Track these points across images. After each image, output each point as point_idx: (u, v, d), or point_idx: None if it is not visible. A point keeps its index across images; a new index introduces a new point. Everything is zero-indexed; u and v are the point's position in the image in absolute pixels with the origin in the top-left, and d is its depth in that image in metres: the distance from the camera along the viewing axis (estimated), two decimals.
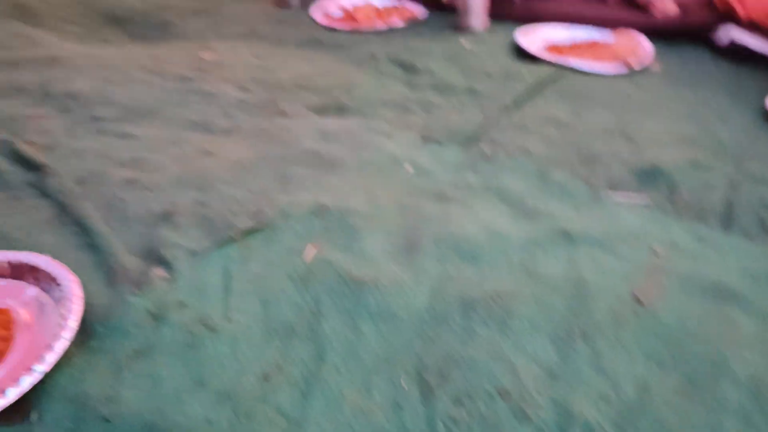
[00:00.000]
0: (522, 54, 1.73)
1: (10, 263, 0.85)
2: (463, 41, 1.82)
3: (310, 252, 0.94)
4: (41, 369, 0.68)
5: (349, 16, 2.03)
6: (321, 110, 1.45)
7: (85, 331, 0.76)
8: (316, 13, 2.02)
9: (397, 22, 1.94)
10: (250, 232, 0.96)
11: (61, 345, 0.71)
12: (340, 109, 1.46)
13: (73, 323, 0.74)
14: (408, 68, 1.69)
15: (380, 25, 1.93)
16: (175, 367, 0.72)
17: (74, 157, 1.16)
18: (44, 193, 1.04)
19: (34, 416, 0.66)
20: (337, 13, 2.06)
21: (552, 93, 1.60)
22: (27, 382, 0.66)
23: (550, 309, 0.85)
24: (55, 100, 1.39)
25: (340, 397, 0.70)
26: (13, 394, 0.65)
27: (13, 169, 1.10)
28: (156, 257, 0.90)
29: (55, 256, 0.89)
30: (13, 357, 0.72)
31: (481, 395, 0.71)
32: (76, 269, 0.86)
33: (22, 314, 0.78)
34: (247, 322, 0.80)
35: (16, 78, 1.49)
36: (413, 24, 1.94)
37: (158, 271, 0.87)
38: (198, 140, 1.25)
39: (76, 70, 1.52)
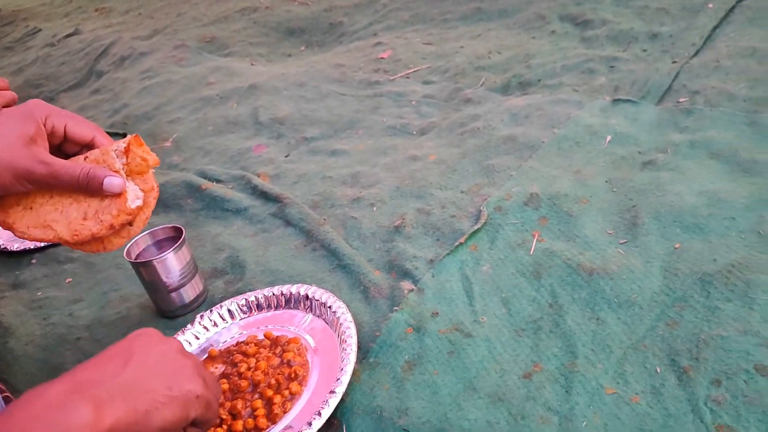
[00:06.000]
0: None
1: (283, 294, 1.01)
2: None
3: (533, 244, 1.01)
4: (341, 389, 0.81)
5: None
6: (504, 89, 1.49)
7: (362, 349, 0.90)
8: None
9: None
10: (473, 234, 1.04)
11: (350, 365, 0.84)
12: (523, 85, 1.49)
13: (354, 344, 0.87)
14: (580, 23, 1.67)
15: None
16: (445, 374, 0.83)
17: (302, 182, 1.31)
18: (288, 222, 1.19)
19: (346, 431, 0.80)
20: None
21: (741, 18, 1.51)
22: (334, 402, 0.80)
23: None
24: (266, 128, 1.56)
25: (600, 388, 0.77)
26: (326, 414, 0.79)
27: (256, 203, 1.27)
28: (400, 270, 1.01)
29: (314, 280, 1.04)
30: (314, 379, 0.87)
31: (738, 374, 0.74)
32: (336, 291, 1.00)
33: (309, 340, 0.93)
34: (496, 324, 0.89)
35: (228, 112, 1.68)
36: None
37: (406, 284, 0.98)
38: (401, 145, 1.36)
39: (276, 94, 1.68)
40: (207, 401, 0.60)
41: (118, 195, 0.75)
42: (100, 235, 0.75)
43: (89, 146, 0.79)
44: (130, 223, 0.77)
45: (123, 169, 0.76)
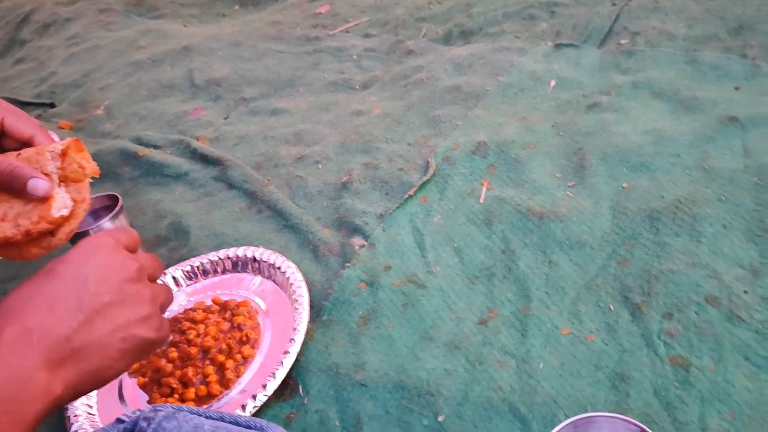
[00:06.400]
0: None
1: (230, 258, 0.97)
2: None
3: (482, 192, 0.99)
4: (295, 349, 0.79)
5: None
6: (446, 40, 1.47)
7: (314, 308, 0.87)
8: None
9: None
10: (423, 185, 1.03)
11: (303, 325, 0.82)
12: (465, 34, 1.46)
13: (306, 303, 0.85)
14: None
15: None
16: (401, 326, 0.82)
17: (243, 143, 1.26)
18: (231, 184, 1.15)
19: (302, 390, 0.78)
20: None
21: None
22: (288, 362, 0.78)
23: (737, 205, 0.86)
24: (203, 91, 1.50)
25: (555, 329, 0.77)
26: (281, 375, 0.77)
27: (197, 167, 1.22)
28: (350, 227, 0.99)
29: (261, 242, 1.00)
30: (267, 342, 0.84)
31: (689, 306, 0.75)
32: (285, 252, 0.97)
33: (259, 303, 0.90)
34: (449, 273, 0.88)
35: (161, 75, 1.61)
36: None
37: (357, 240, 0.96)
38: (344, 100, 1.32)
39: (211, 55, 1.62)
40: (161, 340, 0.56)
41: (44, 200, 0.69)
42: (15, 240, 0.69)
43: (28, 144, 0.73)
44: (52, 233, 0.71)
45: (56, 173, 0.70)
